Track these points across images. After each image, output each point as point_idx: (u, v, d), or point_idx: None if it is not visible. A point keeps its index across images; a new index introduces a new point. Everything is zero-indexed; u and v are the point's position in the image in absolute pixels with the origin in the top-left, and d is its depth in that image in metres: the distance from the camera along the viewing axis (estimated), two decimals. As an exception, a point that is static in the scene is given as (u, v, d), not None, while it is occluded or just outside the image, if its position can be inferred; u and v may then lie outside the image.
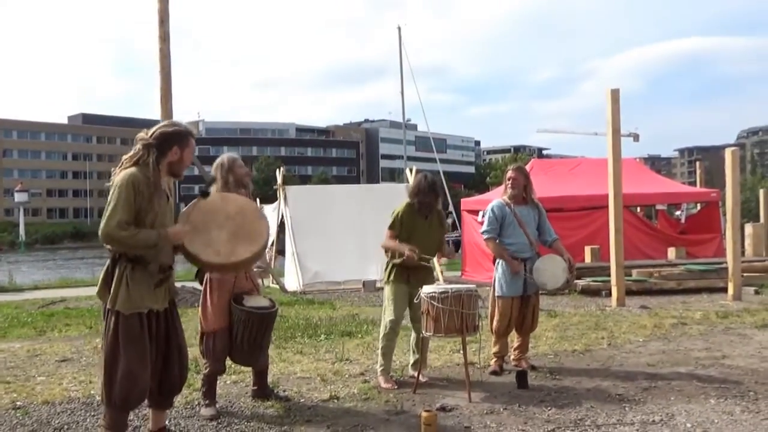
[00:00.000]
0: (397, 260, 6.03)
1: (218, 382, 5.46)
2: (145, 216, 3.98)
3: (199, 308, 5.38)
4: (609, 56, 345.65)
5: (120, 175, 4.00)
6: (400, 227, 6.03)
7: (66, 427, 4.99)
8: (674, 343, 7.68)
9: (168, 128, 4.21)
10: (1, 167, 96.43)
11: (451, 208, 35.14)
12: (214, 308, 5.21)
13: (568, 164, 19.11)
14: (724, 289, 11.89)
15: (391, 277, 6.09)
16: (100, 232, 3.91)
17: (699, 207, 18.12)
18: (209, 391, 5.27)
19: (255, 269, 5.54)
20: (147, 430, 4.44)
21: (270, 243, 5.57)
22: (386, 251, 6.16)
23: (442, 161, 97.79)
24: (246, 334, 5.13)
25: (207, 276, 5.21)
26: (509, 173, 6.56)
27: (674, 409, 5.11)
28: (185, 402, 5.54)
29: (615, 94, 11.19)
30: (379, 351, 6.09)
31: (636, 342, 7.82)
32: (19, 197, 60.78)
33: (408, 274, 6.03)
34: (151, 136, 4.13)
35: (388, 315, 6.07)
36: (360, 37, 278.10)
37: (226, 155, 5.59)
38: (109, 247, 3.99)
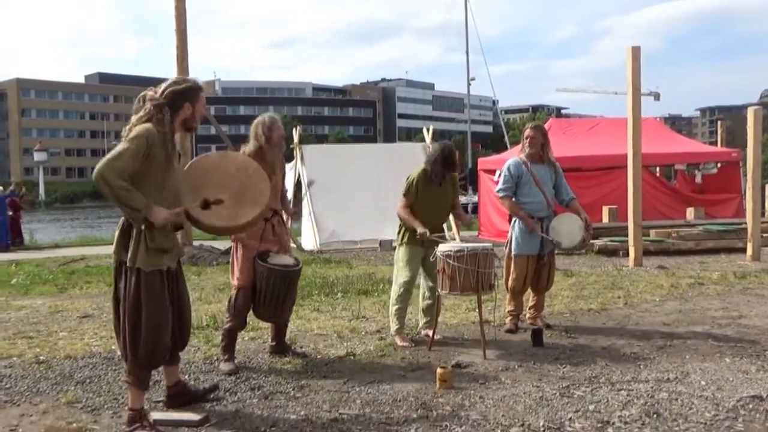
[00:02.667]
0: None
1: (237, 338, 5.53)
2: (160, 173, 3.95)
3: (230, 264, 5.45)
4: (627, 13, 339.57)
5: (135, 128, 3.92)
6: (415, 195, 6.02)
7: (88, 380, 5.09)
8: (691, 303, 7.68)
9: (178, 86, 4.11)
10: (21, 127, 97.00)
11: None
12: (240, 265, 5.27)
13: (586, 124, 18.92)
14: (743, 250, 11.83)
15: (405, 239, 6.10)
16: (95, 172, 3.75)
17: (719, 167, 17.90)
18: (228, 347, 5.35)
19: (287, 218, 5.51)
20: (164, 385, 4.51)
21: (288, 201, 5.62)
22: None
23: (460, 121, 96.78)
24: (268, 291, 5.17)
25: None
26: (527, 131, 6.51)
27: (689, 367, 5.13)
28: (204, 357, 5.63)
29: (636, 52, 11.01)
30: (393, 312, 6.12)
31: (652, 301, 7.82)
32: (38, 156, 61.13)
33: None
34: (162, 95, 4.05)
35: (401, 277, 6.09)
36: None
37: (267, 115, 5.53)
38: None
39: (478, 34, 79.48)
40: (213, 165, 4.47)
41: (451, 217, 6.46)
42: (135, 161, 3.83)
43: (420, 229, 5.86)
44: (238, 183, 4.37)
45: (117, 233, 4.03)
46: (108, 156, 3.82)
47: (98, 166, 3.78)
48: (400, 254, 6.17)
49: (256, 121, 5.43)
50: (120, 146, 3.85)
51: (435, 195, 6.06)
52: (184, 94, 4.11)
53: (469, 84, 43.77)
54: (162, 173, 3.99)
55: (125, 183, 3.80)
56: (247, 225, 4.51)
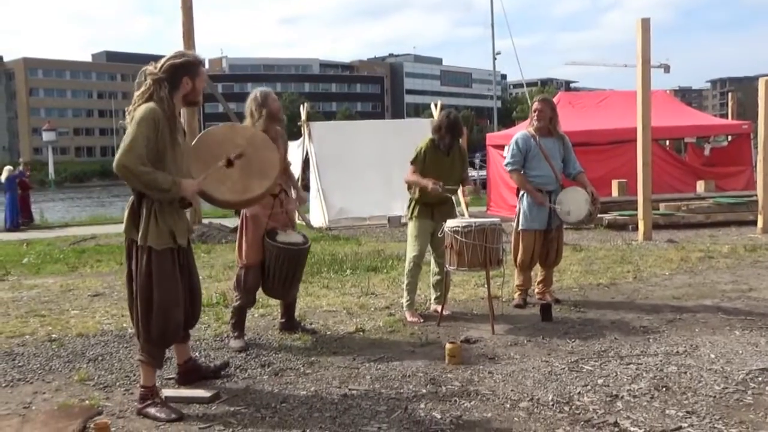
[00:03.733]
0: (416, 195, 6.03)
1: (247, 315, 5.55)
2: (165, 153, 3.94)
3: (236, 243, 5.45)
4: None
5: (140, 109, 3.91)
6: (423, 163, 6.01)
7: (100, 358, 5.14)
8: (701, 276, 7.66)
9: (177, 59, 4.06)
10: (29, 106, 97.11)
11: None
12: (248, 243, 5.27)
13: (595, 97, 18.77)
14: (754, 222, 11.77)
15: (415, 213, 6.10)
16: (115, 163, 3.80)
17: (729, 139, 17.75)
18: (238, 324, 5.38)
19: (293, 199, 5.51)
20: (175, 363, 4.55)
21: (297, 179, 5.58)
22: (409, 187, 6.16)
23: (467, 96, 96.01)
24: (277, 269, 5.18)
25: (242, 212, 5.25)
26: (535, 104, 6.46)
27: (698, 340, 5.12)
28: (214, 334, 5.67)
29: (645, 24, 10.88)
30: (404, 286, 6.15)
31: (662, 275, 7.80)
32: (47, 136, 61.37)
33: (432, 211, 6.04)
34: (161, 69, 4.02)
35: (411, 251, 6.11)
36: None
37: (259, 89, 5.48)
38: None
39: (503, 7, 77.95)
40: (221, 137, 4.46)
41: (459, 191, 6.43)
42: (149, 143, 3.84)
43: (431, 185, 5.84)
44: (247, 155, 4.35)
45: (126, 212, 4.03)
46: (123, 146, 3.82)
47: (117, 157, 3.80)
48: (410, 228, 6.19)
49: (249, 97, 5.40)
50: (130, 132, 3.84)
51: (444, 165, 6.03)
52: (182, 68, 4.06)
53: (494, 58, 43.20)
54: (170, 150, 3.97)
55: (147, 167, 3.82)
56: (259, 197, 4.52)
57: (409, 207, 6.23)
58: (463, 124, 6.24)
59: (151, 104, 3.91)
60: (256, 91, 5.44)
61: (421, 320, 5.93)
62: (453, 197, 6.26)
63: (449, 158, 6.08)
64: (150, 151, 3.85)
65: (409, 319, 5.97)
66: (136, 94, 4.01)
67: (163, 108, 3.93)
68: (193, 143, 4.35)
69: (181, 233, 4.07)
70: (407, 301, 6.11)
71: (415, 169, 6.04)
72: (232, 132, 4.56)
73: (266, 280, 5.26)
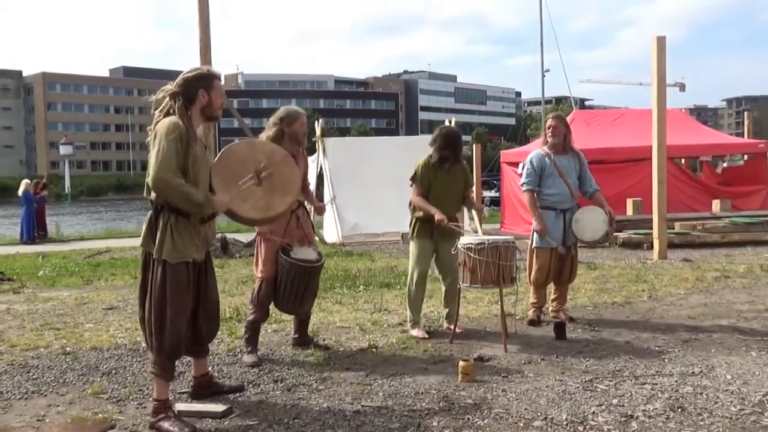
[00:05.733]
0: (419, 215, 6.03)
1: (260, 330, 5.55)
2: (188, 166, 3.95)
3: (254, 256, 5.47)
4: (651, 3, 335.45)
5: (161, 124, 3.94)
6: (421, 180, 6.00)
7: (114, 371, 5.15)
8: (716, 296, 7.59)
9: (189, 73, 4.11)
10: (47, 120, 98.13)
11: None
12: (263, 257, 5.29)
13: (610, 115, 18.74)
14: (770, 242, 11.67)
15: (415, 233, 6.10)
16: (151, 178, 3.83)
17: (745, 158, 17.64)
18: (252, 339, 5.38)
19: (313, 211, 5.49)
20: (191, 376, 4.55)
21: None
22: (410, 205, 6.16)
23: (482, 113, 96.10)
24: (288, 284, 5.18)
25: None
26: (549, 122, 6.46)
27: (714, 361, 5.07)
28: (228, 349, 5.67)
29: (661, 42, 10.88)
30: (407, 306, 6.17)
31: (677, 295, 7.74)
32: (64, 150, 61.91)
33: (431, 229, 6.02)
34: (176, 84, 4.07)
35: (412, 270, 6.13)
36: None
37: (292, 108, 5.51)
38: (152, 197, 3.98)
39: (553, 27, 78.00)
40: (243, 155, 4.43)
41: (473, 210, 6.43)
42: (179, 156, 3.87)
43: (438, 216, 5.84)
44: (268, 172, 4.36)
45: (144, 225, 4.07)
46: (155, 160, 3.85)
47: (153, 172, 3.83)
48: (411, 248, 6.20)
49: (278, 112, 5.43)
50: (159, 147, 3.86)
51: (442, 181, 6.01)
52: (196, 80, 4.09)
53: (543, 76, 43.15)
54: (193, 164, 4.00)
55: (182, 180, 3.87)
56: (280, 215, 4.55)
57: (410, 225, 6.23)
58: (461, 138, 6.21)
59: (172, 118, 3.95)
60: (288, 109, 5.47)
61: (426, 336, 5.92)
62: (458, 214, 6.25)
63: (449, 175, 6.04)
64: (180, 163, 3.89)
65: (415, 335, 5.98)
66: (156, 111, 4.06)
67: (184, 122, 3.96)
68: (215, 160, 4.36)
69: (197, 248, 4.09)
70: (411, 320, 6.13)
71: (417, 190, 6.04)
72: (252, 149, 4.57)
73: (277, 294, 5.27)
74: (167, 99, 4.03)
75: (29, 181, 20.00)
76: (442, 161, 6.00)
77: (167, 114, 3.99)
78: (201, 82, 4.11)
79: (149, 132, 4.01)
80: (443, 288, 6.18)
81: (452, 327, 5.95)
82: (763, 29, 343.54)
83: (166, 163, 3.83)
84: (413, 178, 6.07)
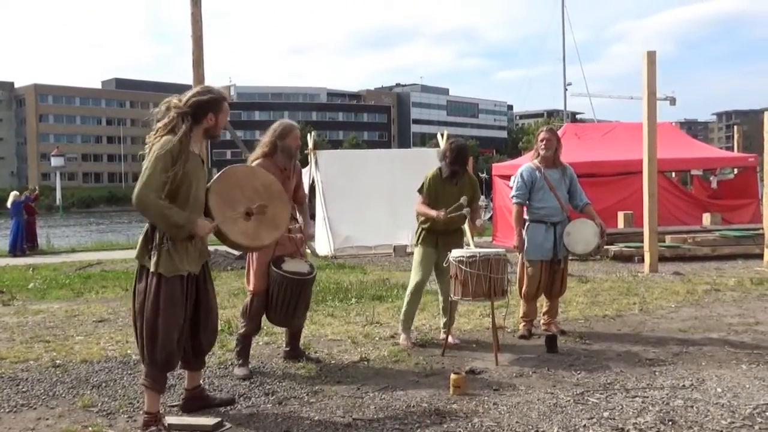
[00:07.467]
0: (425, 224, 6.08)
1: (251, 343, 5.54)
2: (181, 185, 3.98)
3: (245, 269, 5.47)
4: (640, 18, 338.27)
5: (160, 142, 3.96)
6: (429, 192, 6.05)
7: (104, 384, 5.13)
8: (707, 309, 7.62)
9: (203, 96, 4.13)
10: (38, 132, 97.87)
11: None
12: (255, 270, 5.29)
13: (601, 129, 18.84)
14: (760, 256, 11.73)
15: (420, 241, 6.14)
16: (135, 196, 3.87)
17: (735, 172, 17.75)
18: (243, 351, 5.37)
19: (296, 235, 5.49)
20: (183, 388, 4.54)
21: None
22: (418, 216, 6.22)
23: (474, 126, 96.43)
24: (280, 297, 5.18)
25: None
26: (542, 134, 6.50)
27: (705, 374, 5.09)
28: (219, 362, 5.65)
29: (651, 56, 10.96)
30: (402, 309, 6.22)
31: (668, 308, 7.77)
32: (55, 162, 61.64)
33: (436, 239, 6.06)
34: (186, 104, 4.08)
35: (414, 277, 6.17)
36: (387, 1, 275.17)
37: (286, 121, 5.54)
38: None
39: (575, 39, 78.28)
40: (242, 178, 4.48)
41: (466, 224, 6.44)
42: (166, 176, 3.89)
43: (434, 213, 5.88)
44: (262, 200, 4.40)
45: (140, 238, 4.08)
46: (141, 179, 3.89)
47: (136, 191, 3.87)
48: (415, 254, 6.27)
49: (272, 126, 5.44)
50: (149, 165, 3.90)
51: (450, 194, 6.05)
52: (208, 105, 4.14)
53: (565, 89, 43.43)
54: (187, 183, 4.01)
55: (165, 201, 3.89)
56: (264, 247, 4.66)
57: (415, 233, 6.30)
58: (468, 151, 6.28)
59: (172, 137, 3.96)
60: (283, 122, 5.49)
61: (411, 346, 5.97)
62: (462, 226, 6.28)
63: (457, 188, 6.09)
64: (167, 185, 3.91)
65: (401, 342, 6.02)
66: (159, 124, 4.07)
67: (182, 141, 3.97)
68: (214, 179, 4.37)
69: (192, 261, 4.10)
70: (402, 325, 6.18)
71: (423, 200, 6.09)
72: (252, 175, 4.62)
73: (269, 307, 5.27)
74: (173, 115, 4.04)
75: (18, 193, 19.93)
76: (453, 176, 6.06)
77: (171, 131, 4.00)
78: (212, 106, 4.16)
79: (146, 142, 4.03)
80: (441, 298, 6.20)
81: (445, 337, 5.95)
82: (752, 44, 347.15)
83: (149, 183, 3.86)
84: (421, 190, 6.11)
